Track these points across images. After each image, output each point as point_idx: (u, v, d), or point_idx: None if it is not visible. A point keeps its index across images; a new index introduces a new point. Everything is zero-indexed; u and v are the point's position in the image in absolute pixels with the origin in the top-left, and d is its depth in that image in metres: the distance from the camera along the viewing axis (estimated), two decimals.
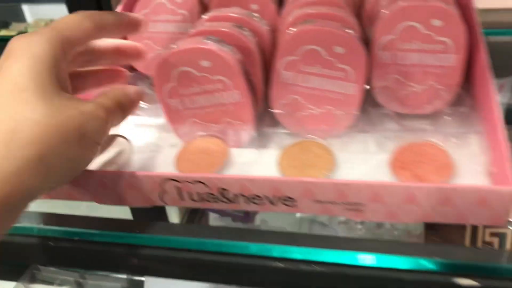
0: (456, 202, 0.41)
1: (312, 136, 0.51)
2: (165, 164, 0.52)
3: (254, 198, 0.46)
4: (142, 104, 0.59)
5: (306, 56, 0.51)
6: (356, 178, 0.47)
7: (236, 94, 0.51)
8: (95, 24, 0.44)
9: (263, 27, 0.56)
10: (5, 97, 0.36)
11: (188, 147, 0.52)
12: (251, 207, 0.46)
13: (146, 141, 0.55)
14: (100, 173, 0.48)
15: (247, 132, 0.53)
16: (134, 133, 0.56)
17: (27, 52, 0.38)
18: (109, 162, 0.52)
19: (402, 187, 0.42)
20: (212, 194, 0.46)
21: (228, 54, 0.49)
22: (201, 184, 0.45)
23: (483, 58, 0.51)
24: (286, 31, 0.52)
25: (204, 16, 0.57)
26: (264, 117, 0.55)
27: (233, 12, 0.56)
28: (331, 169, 0.47)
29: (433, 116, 0.54)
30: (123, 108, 0.44)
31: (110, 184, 0.48)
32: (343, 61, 0.50)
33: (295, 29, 0.50)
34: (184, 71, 0.50)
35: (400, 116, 0.53)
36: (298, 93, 0.53)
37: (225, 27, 0.52)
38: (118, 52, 0.52)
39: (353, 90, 0.51)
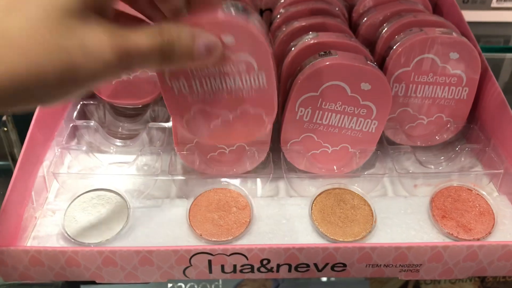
0: None
1: (341, 182, 0.46)
2: (175, 223, 0.43)
3: (300, 267, 0.40)
4: (117, 142, 0.49)
5: (327, 92, 0.45)
6: (399, 229, 0.43)
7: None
8: None
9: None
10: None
11: (201, 203, 0.44)
12: (293, 275, 0.40)
13: (141, 191, 0.46)
14: (108, 250, 0.38)
15: (263, 151, 0.47)
16: (118, 180, 0.46)
17: None
18: (105, 228, 0.42)
19: (465, 247, 0.39)
20: (250, 265, 0.39)
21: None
22: (241, 256, 0.38)
23: (497, 90, 0.50)
24: (306, 67, 0.45)
25: None
26: (272, 157, 0.48)
27: None
28: (372, 222, 0.43)
29: (445, 150, 0.52)
30: (167, 53, 0.33)
31: (120, 261, 0.38)
32: (368, 98, 0.46)
33: (315, 62, 0.44)
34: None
35: (414, 151, 0.51)
36: (313, 131, 0.48)
37: None
38: None
39: (374, 127, 0.47)
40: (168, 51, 0.33)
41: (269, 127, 0.45)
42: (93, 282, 0.41)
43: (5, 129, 0.61)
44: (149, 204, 0.45)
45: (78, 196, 0.44)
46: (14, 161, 0.74)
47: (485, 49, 0.68)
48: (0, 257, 0.38)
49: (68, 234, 0.41)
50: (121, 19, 0.35)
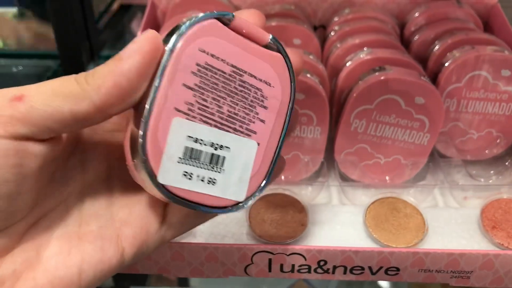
0: None
1: (394, 192, 0.48)
2: (236, 226, 0.46)
3: (355, 269, 0.42)
4: None
5: (381, 106, 0.48)
6: (450, 238, 0.45)
7: (316, 131, 0.48)
8: None
9: (322, 68, 0.52)
10: None
11: (260, 205, 0.47)
12: (348, 277, 0.43)
13: None
14: (177, 245, 0.41)
15: (317, 160, 0.50)
16: None
17: None
18: None
19: None
20: (308, 265, 0.42)
21: (322, 89, 0.46)
22: (300, 256, 0.41)
23: None
24: (361, 80, 0.48)
25: None
26: (323, 167, 0.51)
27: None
28: (424, 231, 0.44)
29: (495, 164, 0.53)
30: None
31: (187, 256, 0.41)
32: (422, 112, 0.48)
33: (370, 77, 0.47)
34: None
35: (464, 164, 0.52)
36: (366, 142, 0.50)
37: None
38: None
39: (426, 140, 0.49)
40: None
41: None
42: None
43: None
44: None
45: None
46: None
47: None
48: None
49: None
50: None
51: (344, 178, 0.51)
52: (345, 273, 0.42)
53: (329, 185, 0.51)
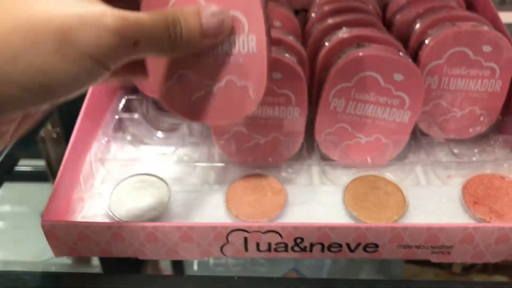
0: None
1: (373, 171, 0.47)
2: (213, 206, 0.45)
3: (332, 247, 0.41)
4: (159, 134, 0.52)
5: (360, 83, 0.47)
6: (432, 215, 0.44)
7: (295, 112, 0.47)
8: None
9: (300, 49, 0.51)
10: None
11: (237, 187, 0.46)
12: (326, 255, 0.42)
13: (181, 178, 0.48)
14: (151, 226, 0.40)
15: (296, 143, 0.49)
16: (160, 168, 0.49)
17: None
18: (148, 208, 0.44)
19: (496, 229, 0.39)
20: (284, 244, 0.41)
21: (300, 70, 0.45)
22: (276, 234, 0.40)
23: None
24: (340, 58, 0.47)
25: None
26: (303, 149, 0.50)
27: None
28: (405, 208, 0.44)
29: (479, 143, 0.53)
30: (174, 33, 0.30)
31: (161, 237, 0.40)
32: (401, 89, 0.47)
33: (348, 54, 0.46)
34: None
35: (447, 143, 0.51)
36: (346, 122, 0.49)
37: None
38: None
39: (407, 118, 0.48)
40: (175, 29, 0.30)
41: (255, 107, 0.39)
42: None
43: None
44: (189, 189, 0.47)
45: (123, 180, 0.47)
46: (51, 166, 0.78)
47: None
48: (51, 231, 0.41)
49: (113, 214, 0.44)
50: None
51: (326, 159, 0.50)
52: (322, 250, 0.41)
53: (310, 166, 0.50)
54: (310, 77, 0.53)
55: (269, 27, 0.37)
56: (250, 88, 0.37)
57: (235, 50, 0.36)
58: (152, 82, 0.38)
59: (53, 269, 0.55)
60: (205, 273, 0.74)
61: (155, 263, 0.79)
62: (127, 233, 0.40)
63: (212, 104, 0.38)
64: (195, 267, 0.79)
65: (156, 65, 0.37)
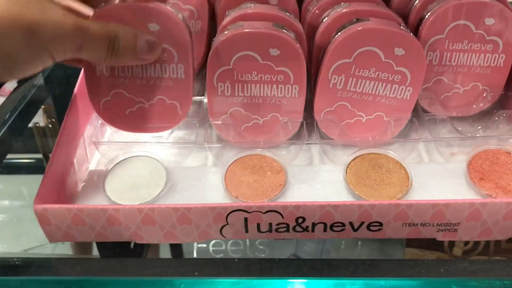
0: None
1: (375, 149, 0.46)
2: (212, 189, 0.44)
3: (335, 226, 0.40)
4: None
5: (360, 59, 0.46)
6: (436, 192, 0.43)
7: (294, 90, 0.46)
8: None
9: (299, 26, 0.49)
10: None
11: (236, 168, 0.44)
12: (329, 235, 0.40)
13: (178, 161, 0.47)
14: (147, 207, 0.39)
15: (296, 122, 0.48)
16: (156, 150, 0.48)
17: None
18: (145, 190, 0.43)
19: (504, 204, 0.38)
20: (285, 224, 0.39)
21: (298, 46, 0.44)
22: (277, 213, 0.39)
23: None
24: (338, 34, 0.46)
25: (228, 17, 0.49)
26: (303, 128, 0.49)
27: (265, 9, 0.49)
28: (408, 185, 0.42)
29: (482, 119, 0.51)
30: (112, 45, 0.38)
31: (159, 219, 0.39)
32: (402, 64, 0.46)
33: (348, 29, 0.45)
34: (246, 56, 0.45)
35: (450, 120, 0.50)
36: (347, 99, 0.48)
37: (268, 28, 0.45)
38: None
39: (409, 94, 0.47)
40: (114, 43, 0.38)
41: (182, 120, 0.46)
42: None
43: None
44: (187, 172, 0.46)
45: (119, 162, 0.45)
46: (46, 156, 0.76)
47: None
48: (44, 215, 0.39)
49: (109, 197, 0.43)
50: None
51: (326, 139, 0.49)
52: (325, 230, 0.40)
53: (310, 146, 0.49)
54: (308, 55, 0.51)
55: (194, 57, 0.44)
56: (178, 106, 0.45)
57: (166, 75, 0.44)
58: (90, 98, 0.45)
59: None
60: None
61: (154, 252, 0.78)
62: (123, 216, 0.39)
63: (145, 118, 0.46)
64: (195, 254, 0.78)
65: (94, 82, 0.44)
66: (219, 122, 0.48)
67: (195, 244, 0.79)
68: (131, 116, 0.46)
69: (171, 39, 0.42)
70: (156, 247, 0.77)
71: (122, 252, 0.65)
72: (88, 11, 0.43)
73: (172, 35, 0.42)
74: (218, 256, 0.77)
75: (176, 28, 0.42)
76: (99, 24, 0.37)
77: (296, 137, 0.49)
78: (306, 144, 0.48)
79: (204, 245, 0.77)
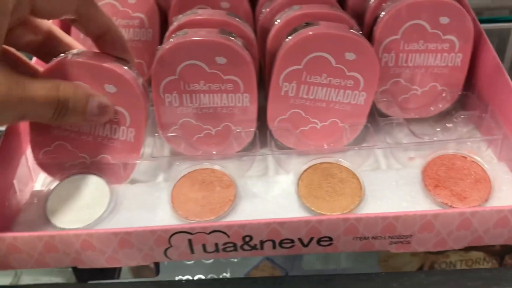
0: None
1: (331, 156, 0.44)
2: (158, 206, 0.42)
3: (284, 243, 0.38)
4: None
5: (310, 65, 0.44)
6: (391, 201, 0.41)
7: (245, 98, 0.44)
8: None
9: (249, 31, 0.47)
10: None
11: (184, 184, 0.43)
12: (279, 252, 0.39)
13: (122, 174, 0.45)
14: (84, 233, 0.37)
15: (249, 132, 0.46)
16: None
17: None
18: (88, 211, 0.41)
19: (457, 214, 0.37)
20: (232, 243, 0.38)
21: (246, 54, 0.43)
22: (222, 234, 0.37)
23: (492, 54, 0.47)
24: (287, 39, 0.44)
25: (174, 23, 0.47)
26: (256, 138, 0.47)
27: (212, 14, 0.47)
28: (361, 195, 0.41)
29: (442, 121, 0.50)
30: (60, 109, 0.36)
31: (98, 244, 0.37)
32: (354, 68, 0.44)
33: (298, 34, 0.43)
34: (192, 65, 0.43)
35: (408, 123, 0.48)
36: (300, 106, 0.46)
37: (213, 36, 0.43)
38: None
39: (363, 99, 0.46)
40: (62, 107, 0.36)
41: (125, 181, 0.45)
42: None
43: None
44: (132, 188, 0.44)
45: (62, 181, 0.43)
46: None
47: (490, 21, 0.65)
48: None
49: (50, 220, 0.41)
50: (7, 56, 0.39)
51: (281, 148, 0.47)
52: (274, 247, 0.38)
53: (264, 156, 0.47)
54: (263, 60, 0.49)
55: (146, 122, 0.43)
56: (121, 167, 0.43)
57: (115, 136, 0.43)
58: (31, 145, 0.43)
59: None
60: (179, 266, 0.71)
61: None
62: (60, 242, 0.37)
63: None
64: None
65: (38, 132, 0.43)
66: (169, 134, 0.47)
67: None
68: (71, 169, 0.44)
69: (127, 103, 0.41)
70: None
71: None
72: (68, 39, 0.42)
73: (128, 99, 0.41)
74: (188, 262, 0.74)
75: (133, 93, 0.41)
76: (48, 85, 0.35)
77: (251, 147, 0.47)
78: (260, 155, 0.46)
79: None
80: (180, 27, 0.46)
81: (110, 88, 0.40)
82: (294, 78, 0.44)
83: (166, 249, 0.38)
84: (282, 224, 0.37)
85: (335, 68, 0.44)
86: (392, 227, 0.37)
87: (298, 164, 0.45)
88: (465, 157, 0.43)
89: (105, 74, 0.40)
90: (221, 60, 0.43)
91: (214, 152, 0.47)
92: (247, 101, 0.45)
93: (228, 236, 0.37)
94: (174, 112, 0.46)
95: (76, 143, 0.43)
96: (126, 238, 0.37)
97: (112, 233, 0.37)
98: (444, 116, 0.50)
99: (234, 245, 0.38)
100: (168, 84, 0.44)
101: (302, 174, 0.43)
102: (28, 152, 0.46)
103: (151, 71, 0.44)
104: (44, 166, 0.44)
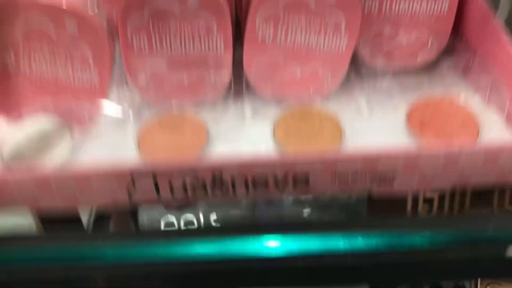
0: (502, 160, 0.35)
1: (304, 103, 0.42)
2: (125, 149, 0.39)
3: (256, 182, 0.36)
4: None
5: (288, 8, 0.41)
6: (375, 143, 0.39)
7: (219, 42, 0.42)
8: None
9: None
10: None
11: (152, 126, 0.40)
12: (251, 194, 0.36)
13: None
14: (44, 172, 0.34)
15: (223, 81, 0.43)
16: None
17: None
18: (48, 152, 0.38)
19: (442, 153, 0.34)
20: (202, 183, 0.35)
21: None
22: (188, 172, 0.34)
23: (480, 1, 0.45)
24: None
25: None
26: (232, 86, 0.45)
27: None
28: (341, 136, 0.38)
29: (429, 70, 0.48)
30: None
31: (55, 184, 0.35)
32: (335, 11, 0.41)
33: None
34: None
35: (393, 72, 0.46)
36: (277, 53, 0.44)
37: None
38: None
39: (344, 46, 0.43)
40: None
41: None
42: None
43: None
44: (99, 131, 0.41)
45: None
46: None
47: None
48: None
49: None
50: None
51: (257, 96, 0.45)
52: (246, 187, 0.36)
53: (240, 103, 0.44)
54: (239, 6, 0.47)
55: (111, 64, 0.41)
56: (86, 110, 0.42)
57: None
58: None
59: None
60: None
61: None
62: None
63: None
64: None
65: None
66: (140, 82, 0.44)
67: None
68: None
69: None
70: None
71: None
72: None
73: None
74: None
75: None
76: None
77: (226, 95, 0.45)
78: (236, 102, 0.44)
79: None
80: None
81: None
82: (271, 22, 0.42)
83: (131, 191, 0.35)
84: (255, 160, 0.34)
85: (314, 10, 0.41)
86: (374, 166, 0.35)
87: (275, 110, 0.43)
88: (452, 101, 0.40)
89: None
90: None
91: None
92: (221, 46, 0.43)
93: (196, 175, 0.35)
94: (144, 59, 0.43)
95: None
96: (86, 177, 0.34)
97: (73, 175, 0.34)
98: (430, 67, 0.48)
99: (205, 185, 0.35)
100: (136, 25, 0.42)
101: (279, 119, 0.40)
102: None
103: (119, 17, 0.41)
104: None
